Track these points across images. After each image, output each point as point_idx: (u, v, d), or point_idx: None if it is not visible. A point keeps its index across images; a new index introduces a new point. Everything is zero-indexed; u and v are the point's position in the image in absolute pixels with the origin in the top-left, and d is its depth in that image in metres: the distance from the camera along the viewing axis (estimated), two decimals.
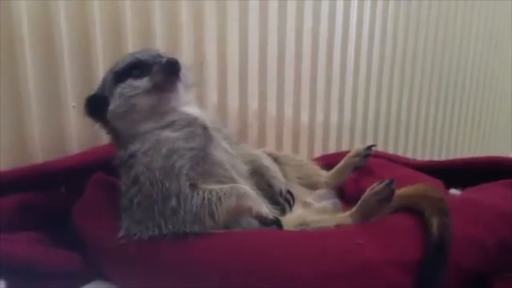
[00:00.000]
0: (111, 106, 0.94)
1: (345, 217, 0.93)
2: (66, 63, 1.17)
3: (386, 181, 0.90)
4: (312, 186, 1.14)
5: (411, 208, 0.88)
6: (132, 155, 0.89)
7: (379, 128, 2.17)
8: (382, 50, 2.08)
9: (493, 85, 2.86)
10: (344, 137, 2.00)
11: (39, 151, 1.16)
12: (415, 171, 1.22)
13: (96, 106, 0.95)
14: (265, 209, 0.90)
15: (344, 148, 2.00)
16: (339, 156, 1.32)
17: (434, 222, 0.81)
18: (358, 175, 1.19)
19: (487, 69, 2.76)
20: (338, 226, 0.90)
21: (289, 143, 1.78)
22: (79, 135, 1.20)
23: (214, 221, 0.85)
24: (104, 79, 0.99)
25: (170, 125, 0.94)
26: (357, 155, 1.19)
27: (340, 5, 1.85)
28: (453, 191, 1.05)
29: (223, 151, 0.97)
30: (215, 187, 0.88)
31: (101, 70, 1.20)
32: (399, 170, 1.22)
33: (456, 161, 1.26)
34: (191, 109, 0.99)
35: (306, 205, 1.05)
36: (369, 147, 1.19)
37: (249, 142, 1.62)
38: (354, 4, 1.91)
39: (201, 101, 1.47)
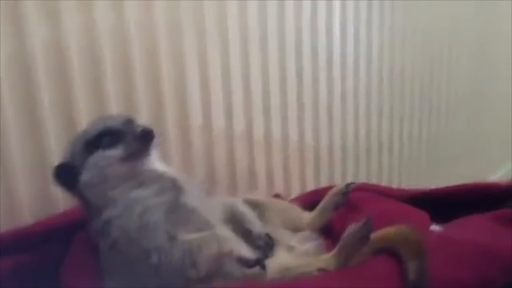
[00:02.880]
0: (84, 178, 0.94)
1: (327, 259, 0.95)
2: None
3: (363, 220, 0.92)
4: (295, 228, 1.14)
5: (390, 250, 0.89)
6: (107, 222, 0.90)
7: (371, 153, 2.20)
8: (368, 76, 2.11)
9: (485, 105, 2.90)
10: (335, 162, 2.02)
11: (26, 211, 1.18)
12: (400, 203, 1.23)
13: (66, 175, 0.96)
14: (246, 251, 0.91)
15: (336, 174, 2.02)
16: (318, 194, 1.32)
17: (411, 267, 0.82)
18: (345, 211, 1.20)
19: (479, 90, 2.80)
20: (320, 270, 0.92)
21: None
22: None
23: (196, 270, 0.86)
24: (73, 147, 0.99)
25: (140, 185, 0.95)
26: (336, 194, 1.20)
27: (336, 25, 1.91)
28: (434, 227, 1.06)
29: (195, 199, 0.98)
30: (194, 236, 0.90)
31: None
32: (384, 204, 1.23)
33: (442, 190, 1.26)
34: (158, 165, 1.02)
35: (290, 248, 1.05)
36: (348, 185, 1.20)
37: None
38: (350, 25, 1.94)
39: (207, 127, 1.52)
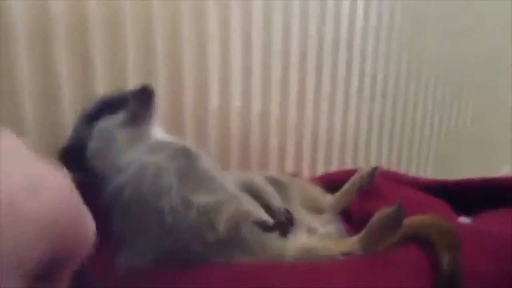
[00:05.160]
0: (92, 147, 0.92)
1: (352, 243, 0.89)
2: None
3: (396, 205, 0.86)
4: (316, 209, 1.10)
5: (421, 238, 0.85)
6: (119, 187, 0.87)
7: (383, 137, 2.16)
8: (387, 57, 2.07)
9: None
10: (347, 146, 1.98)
11: None
12: (423, 192, 1.19)
13: (72, 156, 0.93)
14: (265, 214, 0.89)
15: (348, 156, 1.98)
16: (342, 175, 1.29)
17: (445, 258, 0.78)
18: (364, 197, 1.15)
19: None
20: (344, 254, 0.87)
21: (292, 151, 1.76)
22: None
23: (213, 232, 0.83)
24: (75, 128, 0.97)
25: (150, 151, 0.92)
26: (362, 176, 1.15)
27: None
28: (463, 219, 1.02)
29: (210, 165, 0.96)
30: (210, 198, 0.87)
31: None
32: (406, 191, 1.19)
33: (464, 181, 1.23)
34: (166, 136, 1.01)
35: (311, 230, 1.01)
36: (374, 169, 1.16)
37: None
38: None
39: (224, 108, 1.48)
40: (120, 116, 0.94)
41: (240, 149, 1.56)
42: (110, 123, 0.93)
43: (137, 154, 0.91)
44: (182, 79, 1.35)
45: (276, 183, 1.07)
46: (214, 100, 1.46)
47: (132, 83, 1.21)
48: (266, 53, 1.57)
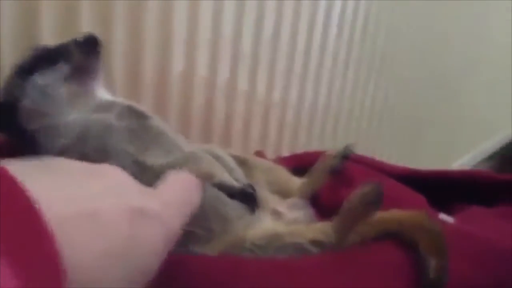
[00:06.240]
0: (25, 103, 0.76)
1: (324, 228, 0.78)
2: None
3: (374, 182, 0.77)
4: (283, 193, 0.98)
5: (403, 237, 0.74)
6: (60, 152, 0.74)
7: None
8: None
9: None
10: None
11: None
12: (397, 182, 1.09)
13: (2, 116, 0.78)
14: (229, 177, 0.81)
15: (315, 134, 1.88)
16: (310, 156, 1.18)
17: (432, 264, 0.68)
18: (335, 183, 1.04)
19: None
20: (315, 242, 0.75)
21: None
22: None
23: None
24: (7, 82, 0.80)
25: (96, 110, 0.80)
26: (334, 157, 1.05)
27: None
28: (444, 217, 0.93)
29: (164, 124, 0.84)
30: (166, 158, 0.76)
31: None
32: (382, 180, 1.09)
33: (441, 173, 1.14)
34: (113, 97, 0.87)
35: (276, 214, 0.90)
36: (347, 148, 1.06)
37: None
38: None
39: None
40: (59, 69, 0.79)
41: (203, 120, 1.43)
42: (47, 77, 0.78)
43: (80, 114, 0.78)
44: (142, 38, 1.21)
45: (238, 162, 0.94)
46: (177, 65, 1.32)
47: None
48: (237, 20, 1.44)
